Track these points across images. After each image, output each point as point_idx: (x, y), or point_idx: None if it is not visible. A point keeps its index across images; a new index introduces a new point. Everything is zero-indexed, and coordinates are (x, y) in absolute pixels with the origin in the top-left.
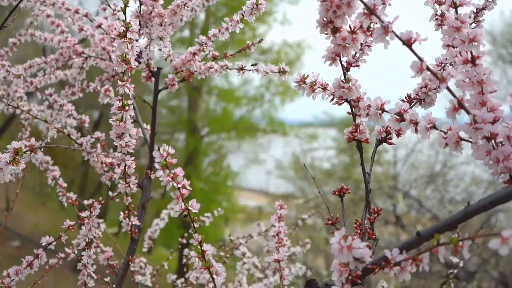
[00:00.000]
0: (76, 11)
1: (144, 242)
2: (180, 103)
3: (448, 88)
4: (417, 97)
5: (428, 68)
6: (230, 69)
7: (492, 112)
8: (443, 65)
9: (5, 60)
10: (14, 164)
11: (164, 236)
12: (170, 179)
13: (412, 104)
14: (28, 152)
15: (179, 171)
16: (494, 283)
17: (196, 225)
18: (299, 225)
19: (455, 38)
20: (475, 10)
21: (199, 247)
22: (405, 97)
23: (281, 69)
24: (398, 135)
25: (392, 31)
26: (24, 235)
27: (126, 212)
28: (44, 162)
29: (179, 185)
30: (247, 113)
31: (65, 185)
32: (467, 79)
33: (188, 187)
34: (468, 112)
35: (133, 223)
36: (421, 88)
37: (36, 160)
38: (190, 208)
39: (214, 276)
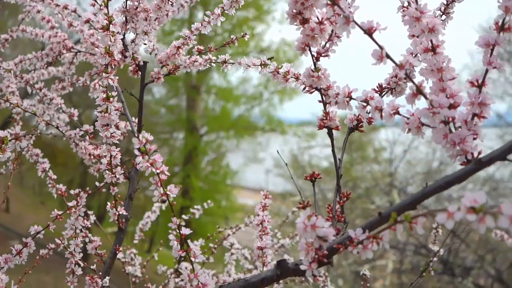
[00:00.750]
0: (65, 7)
1: (136, 234)
2: (179, 102)
3: (406, 75)
4: (388, 86)
5: (387, 56)
6: (214, 62)
7: (451, 98)
8: (413, 55)
9: None
10: (0, 152)
11: (164, 236)
12: (149, 165)
13: (384, 93)
14: (13, 141)
15: (158, 157)
16: (491, 280)
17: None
18: (289, 217)
19: (416, 28)
20: (445, 2)
21: (178, 231)
22: (376, 87)
23: (263, 62)
24: (369, 123)
25: (353, 21)
26: (24, 234)
27: (113, 202)
28: (34, 154)
29: (158, 171)
30: (245, 112)
31: (54, 177)
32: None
33: (167, 173)
34: (426, 98)
35: (120, 213)
36: (391, 77)
37: (22, 148)
38: (168, 193)
39: (192, 259)
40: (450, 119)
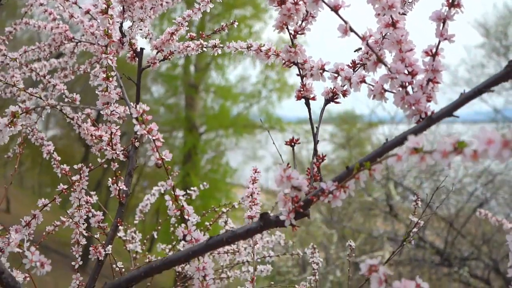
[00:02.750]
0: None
1: (136, 215)
2: (177, 101)
3: (368, 45)
4: (361, 62)
5: (351, 29)
6: (205, 47)
7: (410, 66)
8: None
9: (1, 45)
10: (12, 126)
11: (164, 234)
12: (146, 132)
13: (357, 68)
14: (24, 114)
15: (154, 125)
16: (488, 270)
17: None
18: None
19: (378, 6)
20: None
21: (173, 192)
22: (350, 62)
23: (249, 45)
24: (344, 95)
25: (321, 0)
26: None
27: (114, 178)
28: (40, 138)
29: (154, 138)
30: (244, 110)
31: (59, 158)
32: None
33: (162, 140)
34: (385, 65)
35: (121, 188)
36: (363, 54)
37: (31, 127)
38: (164, 157)
39: (186, 217)
40: (407, 83)
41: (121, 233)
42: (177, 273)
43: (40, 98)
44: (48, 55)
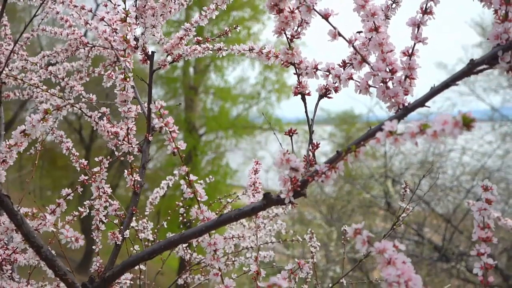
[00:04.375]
0: (82, 8)
1: (146, 207)
2: (177, 103)
3: (354, 47)
4: (350, 61)
5: (339, 34)
6: (211, 50)
7: (391, 65)
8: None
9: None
10: (44, 122)
11: (172, 224)
12: (164, 125)
13: (346, 67)
14: (55, 111)
15: (170, 119)
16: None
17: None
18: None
19: (362, 14)
20: None
21: (187, 178)
22: (341, 62)
23: (251, 47)
24: (335, 91)
25: (313, 9)
26: None
27: (130, 170)
28: (59, 135)
29: (171, 129)
30: (243, 111)
31: (77, 154)
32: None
33: (177, 131)
34: (368, 64)
35: (136, 179)
36: (352, 55)
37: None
38: (179, 146)
39: (198, 198)
40: (387, 79)
41: (133, 223)
42: (185, 261)
43: (61, 98)
44: (65, 59)
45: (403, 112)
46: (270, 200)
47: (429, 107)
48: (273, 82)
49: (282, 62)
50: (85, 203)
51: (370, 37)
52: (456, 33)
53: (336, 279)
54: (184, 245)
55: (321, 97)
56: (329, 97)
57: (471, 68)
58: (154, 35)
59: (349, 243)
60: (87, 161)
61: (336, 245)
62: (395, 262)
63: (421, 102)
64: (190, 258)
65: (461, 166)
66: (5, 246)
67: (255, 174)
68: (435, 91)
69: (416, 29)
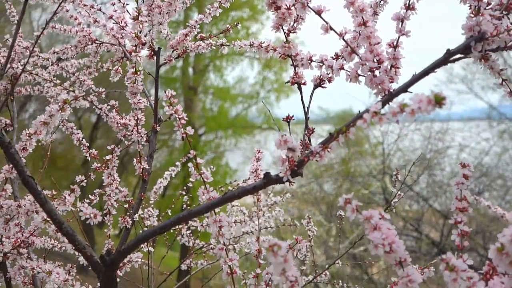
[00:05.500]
0: (92, 6)
1: (151, 197)
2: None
3: (344, 40)
4: (342, 54)
5: (331, 28)
6: (214, 46)
7: (378, 56)
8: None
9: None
10: (62, 111)
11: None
12: (173, 112)
13: (339, 59)
14: (74, 100)
15: (179, 107)
16: (482, 260)
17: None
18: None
19: (352, 10)
20: None
21: (194, 161)
22: (334, 54)
23: (251, 43)
24: (329, 81)
25: (308, 6)
26: None
27: (138, 158)
28: (70, 127)
29: (179, 116)
30: (243, 111)
31: (87, 144)
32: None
33: (185, 118)
34: (357, 55)
35: (144, 167)
36: (344, 48)
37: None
38: (187, 131)
39: (205, 179)
40: (375, 69)
41: (139, 211)
42: (189, 248)
43: (73, 91)
44: (74, 55)
45: (388, 97)
46: (270, 179)
47: (411, 92)
48: (272, 81)
49: (280, 54)
50: (95, 191)
51: (359, 31)
52: (455, 32)
53: (336, 273)
54: (188, 231)
55: (315, 86)
56: (323, 87)
57: (447, 57)
58: (161, 32)
59: (348, 238)
60: (84, 166)
61: (335, 241)
62: (380, 228)
63: (403, 88)
64: (194, 244)
65: (459, 163)
66: (22, 229)
67: (257, 162)
68: (416, 78)
69: (400, 23)
